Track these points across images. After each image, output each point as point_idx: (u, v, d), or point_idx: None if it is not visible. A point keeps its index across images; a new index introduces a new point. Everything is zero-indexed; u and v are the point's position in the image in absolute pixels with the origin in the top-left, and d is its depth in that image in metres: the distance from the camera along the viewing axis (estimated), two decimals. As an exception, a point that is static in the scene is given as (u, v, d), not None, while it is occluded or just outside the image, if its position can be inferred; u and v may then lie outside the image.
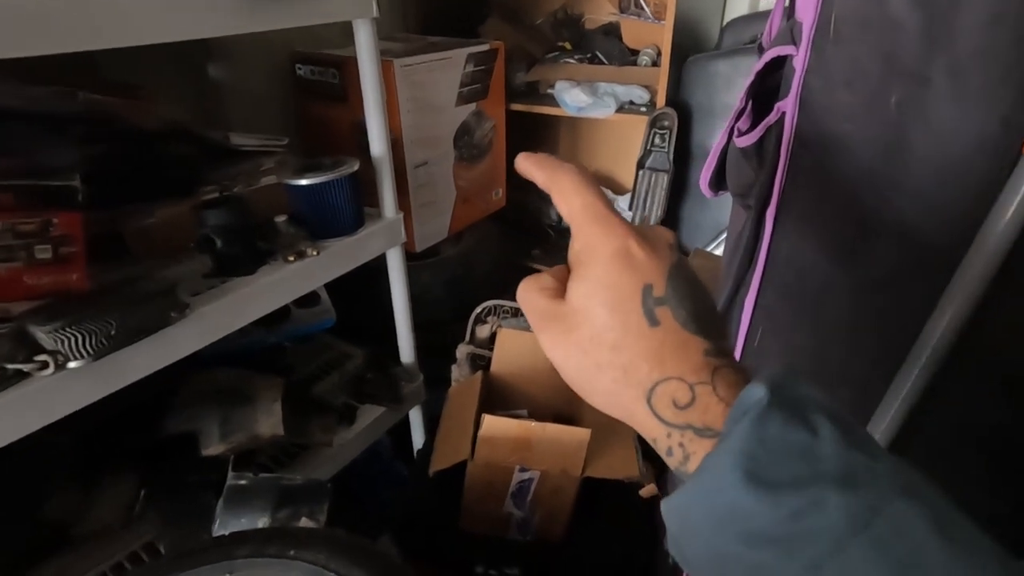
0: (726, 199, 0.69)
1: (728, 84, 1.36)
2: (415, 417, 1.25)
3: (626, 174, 1.82)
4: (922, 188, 0.45)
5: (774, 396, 0.23)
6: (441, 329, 1.29)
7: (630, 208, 1.44)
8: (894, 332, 0.50)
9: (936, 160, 0.44)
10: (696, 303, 0.26)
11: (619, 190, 1.85)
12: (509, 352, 1.09)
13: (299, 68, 1.25)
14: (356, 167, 0.92)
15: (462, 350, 1.18)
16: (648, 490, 0.85)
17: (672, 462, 0.26)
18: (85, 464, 0.85)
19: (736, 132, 0.58)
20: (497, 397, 1.07)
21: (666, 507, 0.25)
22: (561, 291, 0.28)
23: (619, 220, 0.28)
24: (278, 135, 0.97)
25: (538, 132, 1.88)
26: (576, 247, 0.28)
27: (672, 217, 1.52)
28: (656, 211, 1.40)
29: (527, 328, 1.12)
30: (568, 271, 0.29)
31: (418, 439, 1.28)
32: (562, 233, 1.86)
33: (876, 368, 0.52)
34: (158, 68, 0.98)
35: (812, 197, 0.52)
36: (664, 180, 1.38)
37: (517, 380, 1.07)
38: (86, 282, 0.68)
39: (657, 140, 1.37)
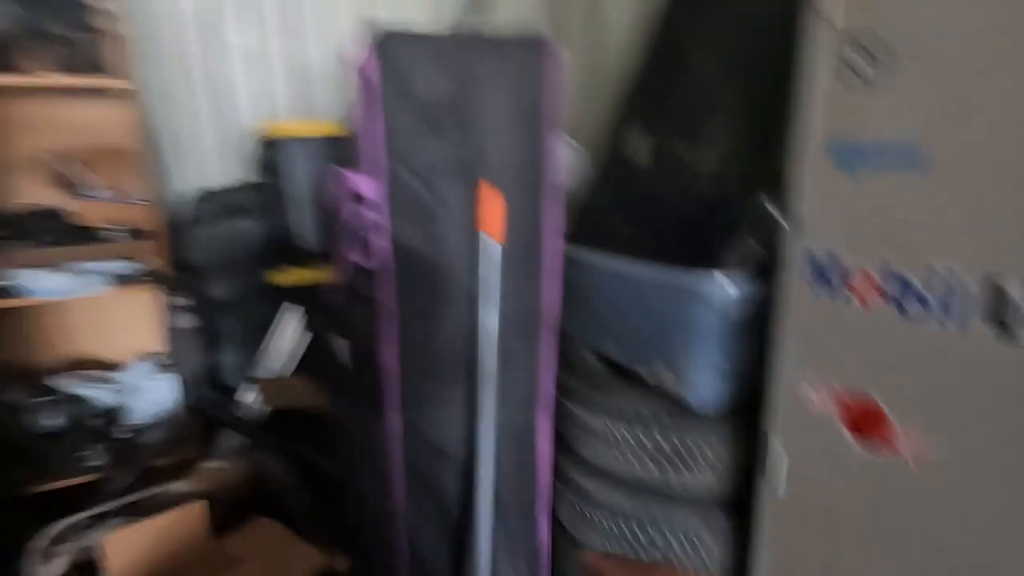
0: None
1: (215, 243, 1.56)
2: None
3: (118, 349, 1.70)
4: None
5: None
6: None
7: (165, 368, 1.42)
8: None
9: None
10: None
11: (112, 366, 1.70)
12: (127, 556, 0.94)
13: None
14: None
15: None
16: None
17: None
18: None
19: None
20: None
21: None
22: None
23: None
24: None
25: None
26: None
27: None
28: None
29: (128, 524, 0.99)
30: None
31: None
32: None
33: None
34: None
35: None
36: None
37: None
38: None
39: (180, 301, 1.43)
